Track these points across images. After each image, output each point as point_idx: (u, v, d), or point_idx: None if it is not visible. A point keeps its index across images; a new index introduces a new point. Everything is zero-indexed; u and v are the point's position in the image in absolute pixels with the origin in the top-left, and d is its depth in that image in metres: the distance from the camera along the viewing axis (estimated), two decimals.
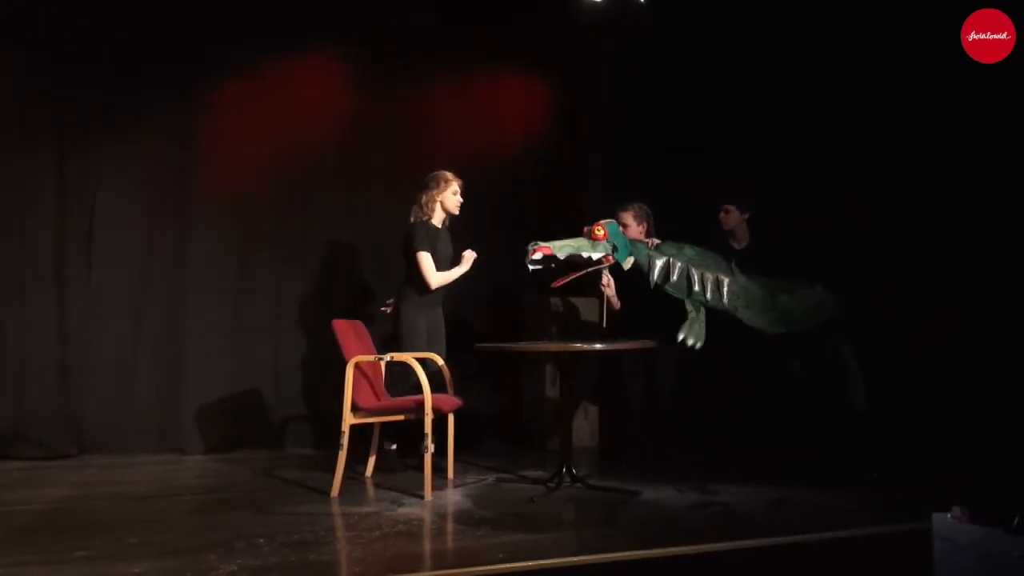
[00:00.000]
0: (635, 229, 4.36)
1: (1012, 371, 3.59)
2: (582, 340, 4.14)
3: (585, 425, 5.13)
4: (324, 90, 5.20)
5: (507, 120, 5.66)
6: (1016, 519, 2.84)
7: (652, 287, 4.06)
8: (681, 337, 3.96)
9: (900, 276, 4.20)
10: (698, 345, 3.97)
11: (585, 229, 3.94)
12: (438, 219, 4.25)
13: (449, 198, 4.23)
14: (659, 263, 4.07)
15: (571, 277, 3.96)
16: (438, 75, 5.46)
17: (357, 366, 3.67)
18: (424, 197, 4.21)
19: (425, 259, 4.11)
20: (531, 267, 3.77)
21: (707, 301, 4.04)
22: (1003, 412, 3.60)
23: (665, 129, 5.35)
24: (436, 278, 4.12)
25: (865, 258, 4.37)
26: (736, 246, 4.54)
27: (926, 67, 3.98)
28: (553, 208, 5.34)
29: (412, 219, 4.21)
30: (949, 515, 3.37)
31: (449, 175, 4.24)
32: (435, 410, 3.56)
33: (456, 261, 4.23)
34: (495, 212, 5.22)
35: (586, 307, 5.12)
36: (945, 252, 3.98)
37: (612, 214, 4.27)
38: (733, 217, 4.56)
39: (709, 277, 4.07)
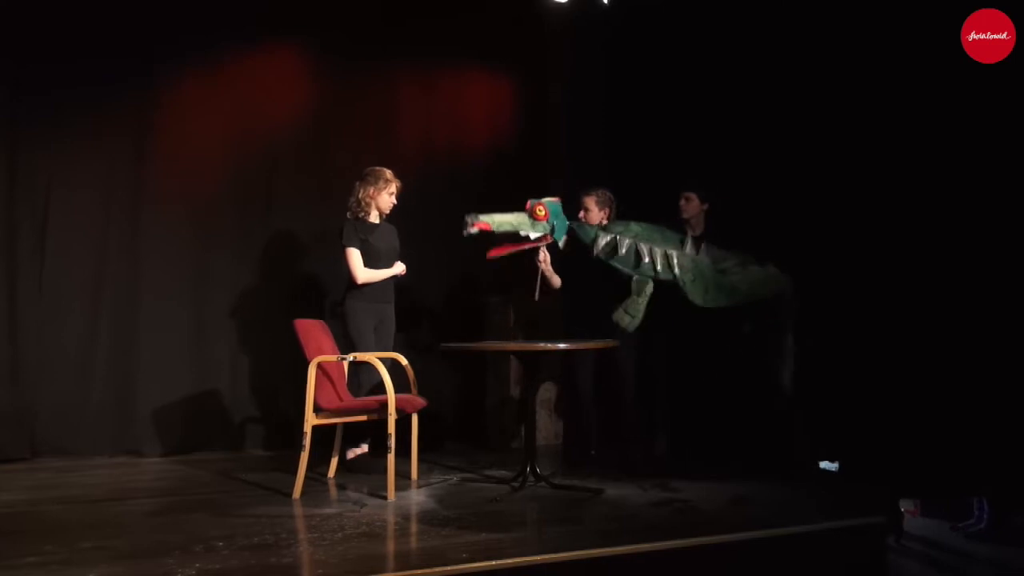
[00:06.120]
0: (596, 214, 4.38)
1: (971, 363, 3.59)
2: (546, 339, 4.14)
3: (549, 424, 5.15)
4: (284, 84, 5.14)
5: (469, 115, 5.66)
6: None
7: (594, 256, 4.10)
8: (615, 318, 4.00)
9: (867, 268, 4.14)
10: (630, 328, 4.02)
11: (529, 204, 3.98)
12: (374, 215, 4.22)
13: (384, 199, 4.20)
14: (605, 239, 4.12)
15: (508, 251, 4.00)
16: (400, 70, 5.44)
17: (320, 366, 3.64)
18: (360, 192, 4.17)
19: (351, 255, 4.10)
20: (466, 235, 3.85)
21: (657, 273, 4.09)
22: (958, 406, 3.65)
23: (627, 123, 5.35)
24: (363, 273, 4.10)
25: (825, 247, 4.32)
26: (692, 233, 4.57)
27: (925, 66, 3.92)
28: (515, 203, 5.34)
29: (348, 213, 4.19)
30: (902, 508, 3.45)
31: (389, 174, 4.21)
32: (399, 410, 3.54)
33: (400, 255, 4.26)
34: (456, 207, 5.17)
35: (551, 305, 5.13)
36: (930, 249, 3.81)
37: (575, 202, 4.29)
38: (693, 205, 4.56)
39: (658, 251, 4.12)
